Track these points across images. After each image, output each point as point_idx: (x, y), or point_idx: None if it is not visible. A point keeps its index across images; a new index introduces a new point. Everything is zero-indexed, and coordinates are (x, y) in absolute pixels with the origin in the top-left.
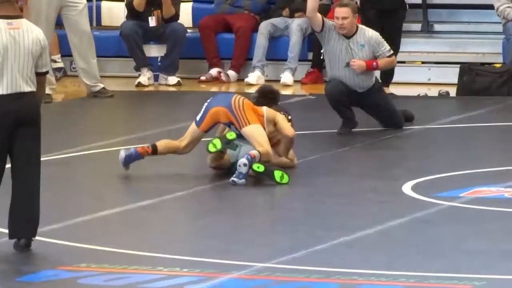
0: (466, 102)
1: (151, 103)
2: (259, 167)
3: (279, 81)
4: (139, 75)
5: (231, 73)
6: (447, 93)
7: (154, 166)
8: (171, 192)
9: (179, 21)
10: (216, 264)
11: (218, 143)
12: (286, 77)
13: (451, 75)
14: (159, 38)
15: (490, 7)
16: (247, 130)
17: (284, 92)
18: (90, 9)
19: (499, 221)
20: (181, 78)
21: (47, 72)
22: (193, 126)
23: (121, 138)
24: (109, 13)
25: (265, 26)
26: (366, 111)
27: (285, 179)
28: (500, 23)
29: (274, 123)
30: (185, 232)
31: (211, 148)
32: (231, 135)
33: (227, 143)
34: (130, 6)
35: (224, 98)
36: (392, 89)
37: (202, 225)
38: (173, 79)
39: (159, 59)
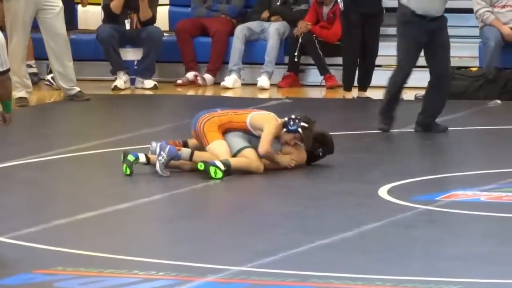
0: None
1: (128, 106)
2: (200, 166)
3: (255, 84)
4: (116, 78)
5: (208, 76)
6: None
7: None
8: (147, 195)
9: (155, 24)
10: (192, 268)
11: (126, 168)
12: (263, 80)
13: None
14: (135, 41)
15: (466, 11)
16: (208, 149)
17: (261, 95)
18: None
19: (475, 225)
20: (158, 81)
21: (5, 72)
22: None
23: (97, 142)
24: (85, 16)
25: (241, 30)
26: (430, 53)
27: (218, 174)
28: (477, 27)
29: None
30: (161, 236)
31: (125, 171)
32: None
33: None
34: (106, 8)
35: (195, 120)
36: (368, 93)
37: (178, 229)
38: (149, 83)
39: (135, 62)
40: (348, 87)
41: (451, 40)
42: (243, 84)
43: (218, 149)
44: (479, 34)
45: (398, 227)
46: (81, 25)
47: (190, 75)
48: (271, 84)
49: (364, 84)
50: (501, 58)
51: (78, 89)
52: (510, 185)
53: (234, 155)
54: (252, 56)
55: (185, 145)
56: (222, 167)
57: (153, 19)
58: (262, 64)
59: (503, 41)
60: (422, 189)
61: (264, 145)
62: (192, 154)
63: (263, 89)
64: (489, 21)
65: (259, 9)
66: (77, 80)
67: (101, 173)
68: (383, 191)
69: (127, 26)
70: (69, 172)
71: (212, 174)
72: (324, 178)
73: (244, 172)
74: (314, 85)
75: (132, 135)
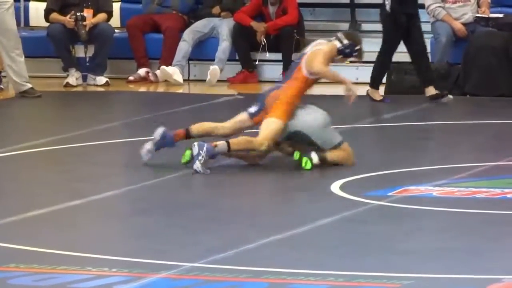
0: (395, 101)
1: (80, 103)
2: (296, 155)
3: (205, 80)
4: (67, 75)
5: (159, 73)
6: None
7: (83, 166)
8: (100, 192)
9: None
10: (145, 264)
11: (188, 155)
12: (213, 76)
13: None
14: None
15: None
16: (264, 122)
17: (211, 92)
18: (18, 9)
19: (428, 220)
20: (109, 78)
21: None
22: (244, 115)
23: (49, 139)
24: (36, 13)
25: (188, 34)
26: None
27: (308, 165)
28: (428, 22)
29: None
30: (114, 232)
31: (183, 159)
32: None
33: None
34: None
35: (277, 86)
36: (319, 89)
37: (131, 225)
38: (101, 79)
39: (87, 59)
40: (377, 86)
41: None
42: (192, 80)
43: (265, 131)
44: (431, 30)
45: (350, 223)
46: (32, 22)
47: (142, 71)
48: (223, 80)
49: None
50: (453, 53)
51: (30, 85)
52: (462, 180)
53: (333, 148)
54: (203, 52)
55: (188, 132)
56: (315, 159)
57: (109, 16)
58: (213, 60)
59: (454, 36)
60: (374, 184)
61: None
62: (228, 145)
63: (213, 85)
64: (440, 17)
65: (210, 4)
66: (29, 77)
67: (53, 170)
68: (335, 187)
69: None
70: (21, 169)
71: (303, 165)
72: (277, 174)
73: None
74: (272, 81)
75: (84, 131)
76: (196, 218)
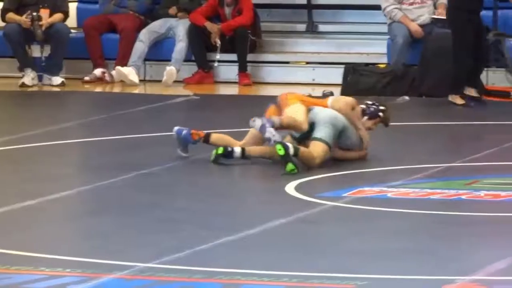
0: None
1: (35, 103)
2: (280, 149)
3: (161, 81)
4: (23, 75)
5: (115, 73)
6: (331, 93)
7: (38, 166)
8: (53, 192)
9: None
10: (99, 264)
11: (221, 149)
12: (169, 77)
13: (336, 75)
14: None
15: (374, 7)
16: (287, 111)
17: (167, 92)
18: None
19: (382, 221)
20: (65, 78)
21: None
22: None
23: (4, 138)
24: None
25: (144, 34)
26: None
27: (294, 171)
28: (385, 23)
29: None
30: (67, 233)
31: (214, 154)
32: (220, 149)
33: (217, 157)
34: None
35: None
36: (275, 90)
37: (84, 226)
38: (57, 80)
39: (43, 59)
40: (460, 91)
41: (358, 36)
42: (150, 81)
43: (294, 113)
44: (387, 31)
45: (305, 224)
46: None
47: (98, 71)
48: (178, 81)
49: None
50: (409, 55)
51: None
52: (417, 181)
53: (314, 138)
54: (159, 53)
55: (207, 137)
56: (292, 151)
57: (65, 16)
58: (169, 61)
59: (411, 37)
60: (329, 185)
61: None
62: (243, 150)
63: (168, 86)
64: (397, 18)
65: (166, 5)
66: None
67: (8, 170)
68: (290, 188)
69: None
70: None
71: (277, 150)
72: (232, 175)
73: (155, 169)
74: (228, 82)
75: (40, 132)
76: (150, 219)
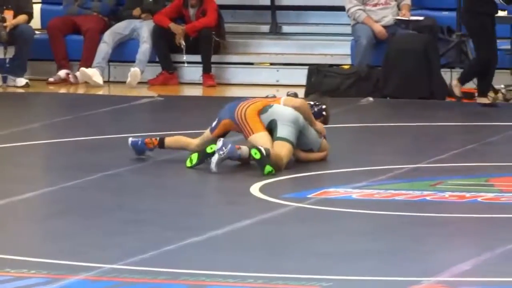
0: None
1: None
2: (256, 153)
3: (125, 82)
4: None
5: (79, 74)
6: (295, 94)
7: (2, 167)
8: (18, 194)
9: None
10: (64, 266)
11: (195, 158)
12: (133, 78)
13: (300, 76)
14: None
15: (338, 8)
16: (251, 139)
17: (131, 93)
18: None
19: (347, 222)
20: (29, 79)
21: None
22: (207, 131)
23: None
24: None
25: (108, 35)
26: None
27: (272, 172)
28: (349, 24)
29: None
30: (33, 234)
31: (188, 163)
32: (211, 148)
33: (204, 156)
34: None
35: (230, 109)
36: (239, 91)
37: (50, 227)
38: (21, 81)
39: (7, 60)
40: (485, 93)
41: (322, 37)
42: (114, 82)
43: (260, 141)
44: (351, 32)
45: (269, 225)
46: None
47: (62, 73)
48: (143, 82)
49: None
50: (373, 56)
51: None
52: (381, 182)
53: (279, 138)
54: (123, 54)
55: (162, 142)
56: (264, 153)
57: (30, 17)
58: (133, 62)
59: (375, 39)
60: (294, 186)
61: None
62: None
63: (133, 87)
64: (361, 19)
65: (130, 6)
66: None
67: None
68: (255, 189)
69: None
70: None
71: (253, 154)
72: (197, 177)
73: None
74: (192, 83)
75: (4, 133)
76: (115, 220)
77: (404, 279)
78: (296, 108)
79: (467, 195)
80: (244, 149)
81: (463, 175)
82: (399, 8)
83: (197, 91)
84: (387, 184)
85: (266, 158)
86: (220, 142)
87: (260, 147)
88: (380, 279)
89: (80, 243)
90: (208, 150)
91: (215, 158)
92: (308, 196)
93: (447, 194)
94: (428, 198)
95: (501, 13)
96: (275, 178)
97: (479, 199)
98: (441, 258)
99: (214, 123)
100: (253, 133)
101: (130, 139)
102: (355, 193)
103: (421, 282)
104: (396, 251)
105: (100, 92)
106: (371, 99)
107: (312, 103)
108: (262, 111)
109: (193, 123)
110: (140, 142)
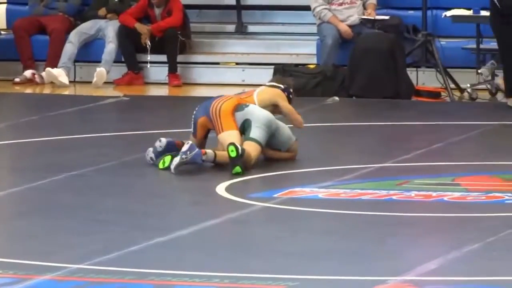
0: None
1: None
2: (232, 151)
3: (91, 82)
4: None
5: (45, 74)
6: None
7: None
8: None
9: None
10: (30, 266)
11: (167, 160)
12: (99, 78)
13: (265, 76)
14: None
15: (304, 8)
16: (220, 137)
17: (97, 93)
18: None
19: (314, 222)
20: None
21: None
22: (191, 137)
23: None
24: None
25: (74, 35)
26: None
27: (233, 153)
28: (314, 24)
29: (274, 105)
30: None
31: (160, 165)
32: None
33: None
34: None
35: (205, 106)
36: (205, 91)
37: (15, 227)
38: None
39: None
40: None
41: (288, 37)
42: (80, 82)
43: (230, 140)
44: (317, 32)
45: (235, 225)
46: None
47: (28, 73)
48: (108, 82)
49: None
50: (339, 56)
51: None
52: (348, 182)
53: (249, 139)
54: (89, 54)
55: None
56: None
57: None
58: (99, 62)
59: (341, 38)
60: (260, 186)
61: (299, 118)
62: (215, 157)
63: (99, 87)
64: (326, 19)
65: (96, 6)
66: None
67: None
68: (221, 189)
69: None
70: None
71: (229, 152)
72: (162, 176)
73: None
74: (158, 83)
75: None
76: (81, 220)
77: (371, 278)
78: (270, 99)
79: (434, 194)
80: (210, 153)
81: (429, 175)
82: (364, 7)
83: (163, 91)
84: (353, 183)
85: (239, 159)
86: (186, 145)
87: (238, 145)
88: (346, 279)
89: (46, 243)
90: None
91: (176, 160)
92: (274, 195)
93: (413, 193)
94: (394, 197)
95: (466, 12)
96: (241, 178)
97: (445, 198)
98: (408, 257)
99: (192, 128)
100: (223, 131)
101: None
102: (322, 193)
103: (387, 281)
104: (362, 251)
105: (66, 92)
106: (336, 98)
107: (282, 86)
108: (237, 108)
109: (159, 123)
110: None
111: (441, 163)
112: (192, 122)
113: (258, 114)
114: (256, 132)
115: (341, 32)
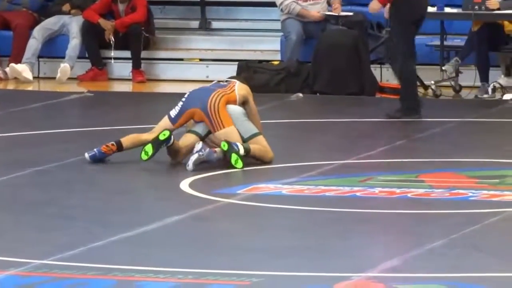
0: None
1: None
2: (224, 145)
3: (55, 78)
4: None
5: (9, 70)
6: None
7: None
8: None
9: None
10: None
11: (149, 149)
12: (63, 74)
13: (229, 72)
14: None
15: (268, 4)
16: (221, 134)
17: (61, 89)
18: None
19: (277, 218)
20: None
21: None
22: (166, 120)
23: None
24: None
25: (38, 31)
26: None
27: (239, 164)
28: (278, 20)
29: (245, 101)
30: None
31: (143, 156)
32: (163, 135)
33: (159, 144)
34: None
35: (201, 98)
36: (169, 87)
37: None
38: None
39: None
40: None
41: (252, 33)
42: (44, 78)
43: (233, 136)
44: (281, 28)
45: (199, 221)
46: None
47: None
48: (73, 78)
49: None
50: (303, 52)
51: None
52: (311, 178)
53: (246, 140)
54: (53, 50)
55: (119, 145)
56: (242, 152)
57: None
58: (63, 58)
59: (304, 34)
60: (223, 182)
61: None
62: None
63: (63, 83)
64: (296, 12)
65: (60, 2)
66: None
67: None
68: (184, 185)
69: None
70: None
71: (233, 162)
72: (127, 172)
73: (50, 167)
74: (122, 79)
75: None
76: (44, 216)
77: (334, 274)
78: (248, 94)
79: (397, 191)
80: (219, 151)
81: (393, 171)
82: (329, 3)
83: (126, 87)
84: (317, 180)
85: (234, 148)
86: (199, 144)
87: (237, 144)
88: (310, 275)
89: (10, 239)
90: (161, 137)
91: (194, 157)
92: (238, 192)
93: (377, 190)
94: (358, 194)
95: (430, 9)
96: (205, 174)
97: (409, 195)
98: (371, 253)
99: (174, 113)
100: (223, 127)
101: (86, 154)
102: (285, 189)
103: (351, 278)
104: (326, 247)
105: (30, 88)
106: (300, 95)
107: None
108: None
109: (123, 119)
110: (97, 153)
111: (405, 160)
112: (178, 109)
113: (234, 110)
114: (247, 126)
115: (314, 18)
